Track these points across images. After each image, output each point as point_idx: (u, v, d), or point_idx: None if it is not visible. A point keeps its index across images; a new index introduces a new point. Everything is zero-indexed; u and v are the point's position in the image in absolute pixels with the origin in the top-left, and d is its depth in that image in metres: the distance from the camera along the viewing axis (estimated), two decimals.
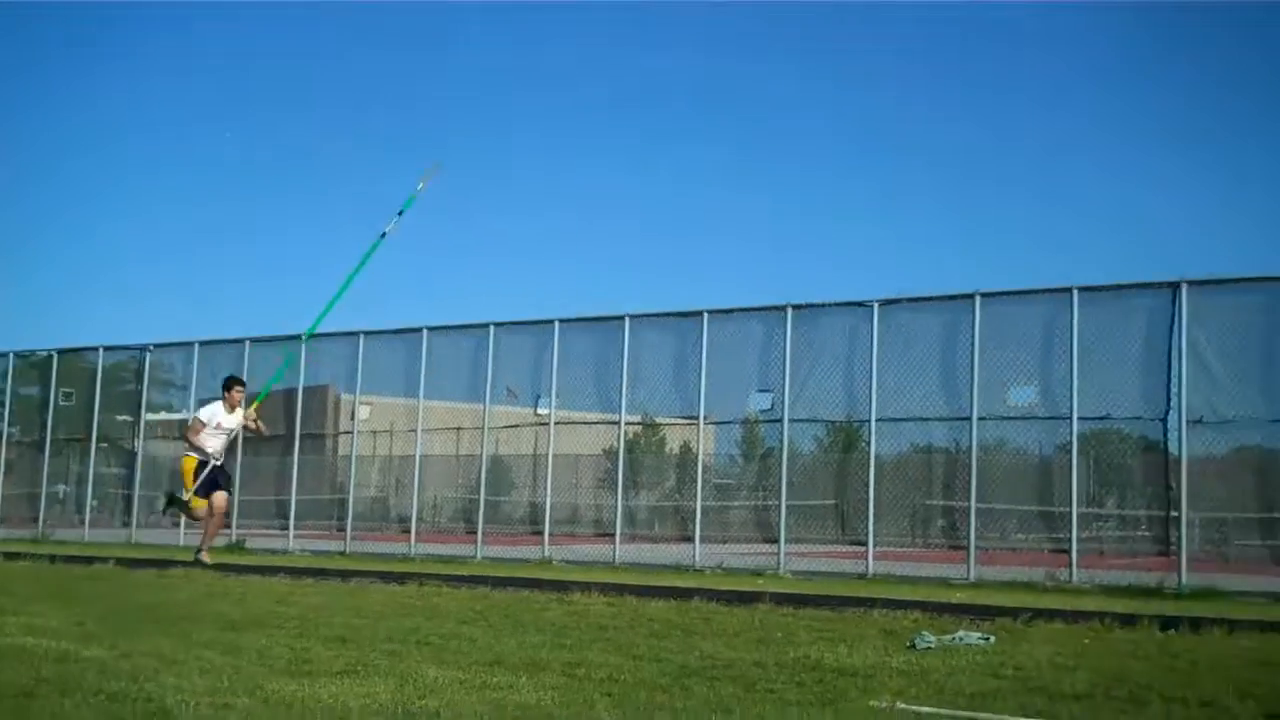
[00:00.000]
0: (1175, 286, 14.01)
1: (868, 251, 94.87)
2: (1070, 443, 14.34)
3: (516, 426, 19.73)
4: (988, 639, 8.27)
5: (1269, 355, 13.66)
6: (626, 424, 18.10)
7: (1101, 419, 14.71)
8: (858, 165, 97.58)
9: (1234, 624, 9.17)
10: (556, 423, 18.42)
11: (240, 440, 20.73)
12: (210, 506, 14.53)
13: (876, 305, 15.86)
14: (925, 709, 5.60)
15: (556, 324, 18.38)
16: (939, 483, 16.29)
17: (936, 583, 13.90)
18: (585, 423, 19.07)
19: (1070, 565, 13.83)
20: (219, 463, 14.63)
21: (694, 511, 16.88)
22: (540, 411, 18.65)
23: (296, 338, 19.27)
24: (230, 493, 15.27)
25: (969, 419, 14.98)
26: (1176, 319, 13.91)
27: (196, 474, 14.40)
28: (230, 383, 14.99)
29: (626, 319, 17.74)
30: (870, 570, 14.99)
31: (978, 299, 15.13)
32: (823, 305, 16.72)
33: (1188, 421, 13.63)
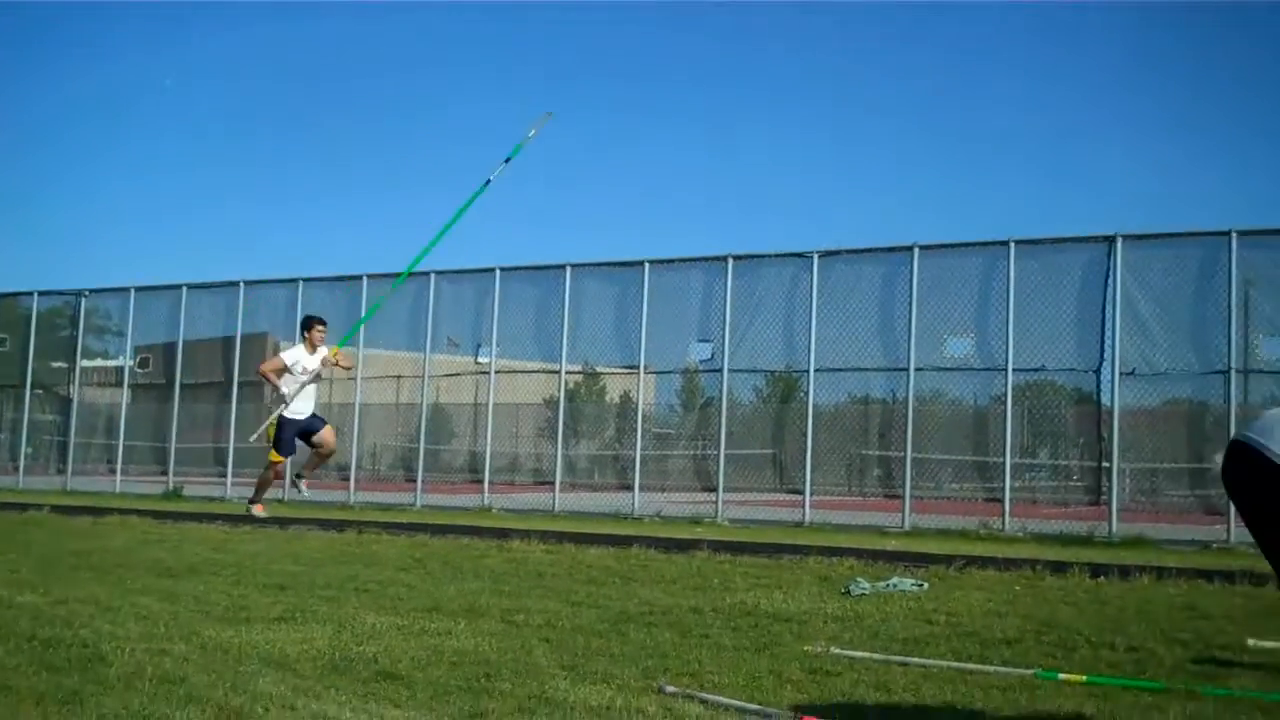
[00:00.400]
0: (1110, 240, 14.18)
1: (810, 203, 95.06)
2: (1005, 394, 14.51)
3: (457, 375, 19.66)
4: (921, 586, 8.40)
5: (1201, 309, 13.84)
6: (567, 373, 18.10)
7: (1036, 370, 14.88)
8: (801, 117, 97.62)
9: (1162, 571, 9.35)
10: (497, 371, 18.40)
11: (177, 386, 20.59)
12: (316, 444, 14.29)
13: (816, 256, 15.93)
14: (858, 654, 5.69)
15: (498, 272, 18.32)
16: (875, 433, 16.46)
17: (872, 531, 14.06)
18: (526, 371, 19.06)
19: (1003, 514, 14.04)
20: (305, 416, 14.19)
21: (634, 460, 16.95)
22: (481, 360, 18.60)
23: (395, 275, 17.40)
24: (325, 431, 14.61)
25: (906, 370, 15.11)
26: (1111, 272, 14.08)
27: (281, 433, 14.02)
28: (310, 322, 14.27)
29: (568, 268, 17.71)
30: (807, 519, 15.14)
31: (916, 251, 15.23)
32: (763, 256, 16.76)
33: (1120, 373, 13.85)
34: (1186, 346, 13.90)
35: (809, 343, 15.70)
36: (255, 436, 14.97)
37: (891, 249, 15.69)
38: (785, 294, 16.32)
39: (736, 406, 17.41)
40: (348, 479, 19.21)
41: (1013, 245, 14.63)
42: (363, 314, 18.90)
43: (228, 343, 20.67)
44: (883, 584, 8.33)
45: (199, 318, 21.12)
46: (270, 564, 9.52)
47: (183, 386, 20.89)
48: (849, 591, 8.08)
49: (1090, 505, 15.23)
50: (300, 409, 13.94)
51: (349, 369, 15.18)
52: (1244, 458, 3.66)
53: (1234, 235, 13.49)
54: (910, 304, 15.12)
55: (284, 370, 13.81)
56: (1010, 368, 14.44)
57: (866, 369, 15.83)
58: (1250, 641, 6.03)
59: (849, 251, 16.15)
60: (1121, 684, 5.08)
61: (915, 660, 5.55)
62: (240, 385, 20.31)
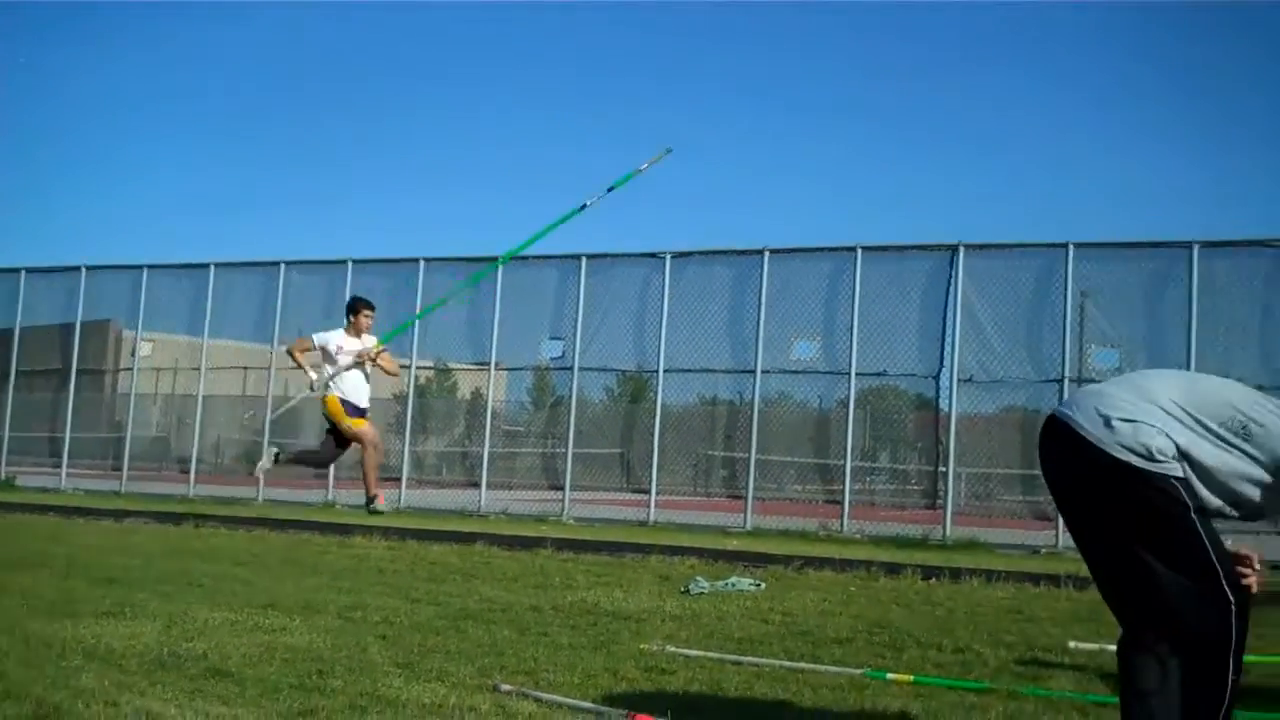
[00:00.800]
0: (953, 249, 14.53)
1: (661, 204, 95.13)
2: (848, 397, 14.78)
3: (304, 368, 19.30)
4: (759, 585, 8.53)
5: (1037, 319, 14.24)
6: (418, 368, 17.96)
7: (878, 375, 15.18)
8: (657, 118, 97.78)
9: (991, 575, 9.65)
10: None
11: (13, 373, 19.91)
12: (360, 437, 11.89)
13: (669, 257, 16.05)
14: (693, 652, 5.77)
15: (350, 264, 18.08)
16: (722, 434, 16.63)
17: (715, 531, 14.22)
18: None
19: (843, 516, 14.32)
20: (358, 403, 11.94)
21: (482, 457, 16.89)
22: None
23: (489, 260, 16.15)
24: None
25: (753, 372, 15.30)
26: (953, 281, 14.43)
27: (346, 408, 11.65)
28: (358, 305, 12.20)
29: (421, 262, 17.55)
30: (652, 518, 15.25)
31: (766, 255, 15.43)
32: (617, 255, 16.84)
33: (959, 380, 14.21)
34: (1023, 355, 14.29)
35: (659, 343, 15.81)
36: (276, 414, 13.69)
37: (743, 251, 15.89)
38: (637, 294, 16.40)
39: (586, 405, 17.44)
40: (187, 471, 18.80)
41: (859, 251, 14.91)
42: (208, 304, 18.49)
43: (65, 329, 20.06)
44: (722, 583, 8.45)
45: (38, 303, 20.47)
46: (103, 557, 9.31)
47: (18, 374, 20.22)
48: (688, 590, 8.18)
49: (927, 509, 15.60)
50: (352, 393, 11.79)
51: (394, 374, 12.93)
52: (1054, 431, 3.80)
53: (1071, 248, 13.91)
54: (759, 307, 15.30)
55: (310, 349, 12.07)
56: (854, 372, 14.71)
57: (715, 370, 15.98)
58: (1071, 644, 6.25)
59: (701, 253, 16.33)
60: (947, 684, 5.23)
61: (749, 659, 5.65)
62: (79, 374, 19.74)
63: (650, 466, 15.65)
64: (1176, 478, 3.57)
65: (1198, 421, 3.63)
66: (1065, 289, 13.90)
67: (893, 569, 9.79)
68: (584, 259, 16.52)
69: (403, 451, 17.61)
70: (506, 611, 6.98)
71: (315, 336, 12.10)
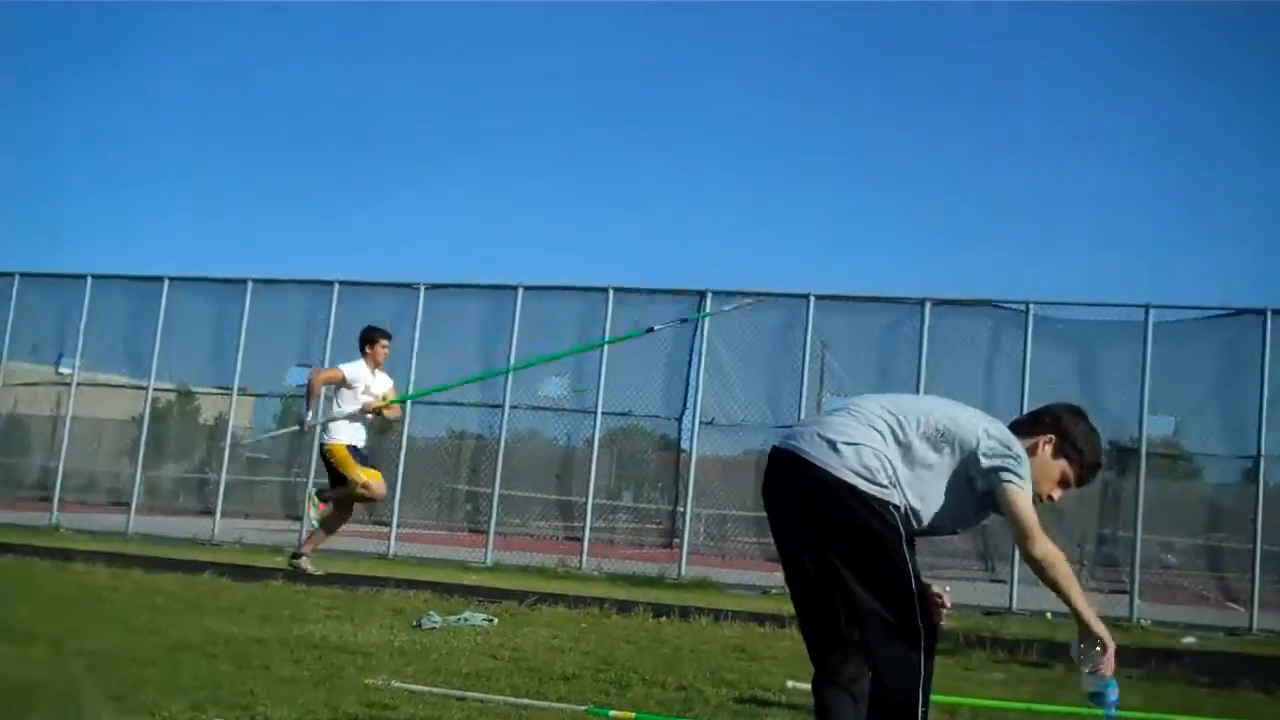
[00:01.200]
0: (701, 295, 14.91)
1: (411, 236, 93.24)
2: (593, 436, 14.96)
3: (35, 385, 18.50)
4: (491, 620, 8.56)
5: (777, 365, 14.73)
6: (157, 390, 17.40)
7: (624, 415, 15.44)
8: (408, 150, 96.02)
9: (720, 614, 9.90)
10: (79, 384, 17.46)
11: None
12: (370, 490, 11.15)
13: (423, 288, 16.00)
14: (418, 687, 5.76)
15: (89, 280, 17.42)
16: (468, 467, 16.58)
17: (455, 565, 14.18)
18: (111, 385, 18.17)
19: (582, 553, 14.47)
20: (363, 445, 11.19)
21: (219, 484, 16.45)
22: (62, 371, 17.60)
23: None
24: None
25: (501, 406, 15.35)
26: (699, 325, 14.80)
27: (354, 453, 10.97)
28: (375, 335, 11.23)
29: (166, 281, 17.03)
30: (392, 551, 15.11)
31: (520, 291, 15.53)
32: (372, 284, 16.71)
33: (700, 423, 14.56)
34: (762, 400, 14.74)
35: (409, 373, 15.70)
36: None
37: (498, 286, 15.95)
38: (390, 324, 16.21)
39: None
40: None
41: (611, 292, 15.16)
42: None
43: None
44: (454, 618, 8.44)
45: None
46: None
47: None
48: (420, 625, 8.14)
49: (664, 548, 15.90)
50: (358, 435, 11.06)
51: (389, 422, 11.80)
52: (780, 462, 3.95)
53: (811, 298, 14.46)
54: (511, 342, 15.37)
55: (341, 384, 11.02)
56: (600, 411, 14.90)
57: (464, 404, 15.98)
58: (789, 683, 6.46)
59: (456, 286, 16.33)
60: None
61: (473, 695, 5.68)
62: None
63: (393, 499, 15.50)
64: (895, 505, 3.79)
65: (903, 426, 3.86)
66: (805, 337, 14.40)
67: (625, 606, 9.93)
68: (337, 285, 16.32)
69: (134, 475, 16.98)
70: (229, 644, 6.82)
71: (345, 369, 11.11)
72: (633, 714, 5.44)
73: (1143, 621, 12.71)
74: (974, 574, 15.06)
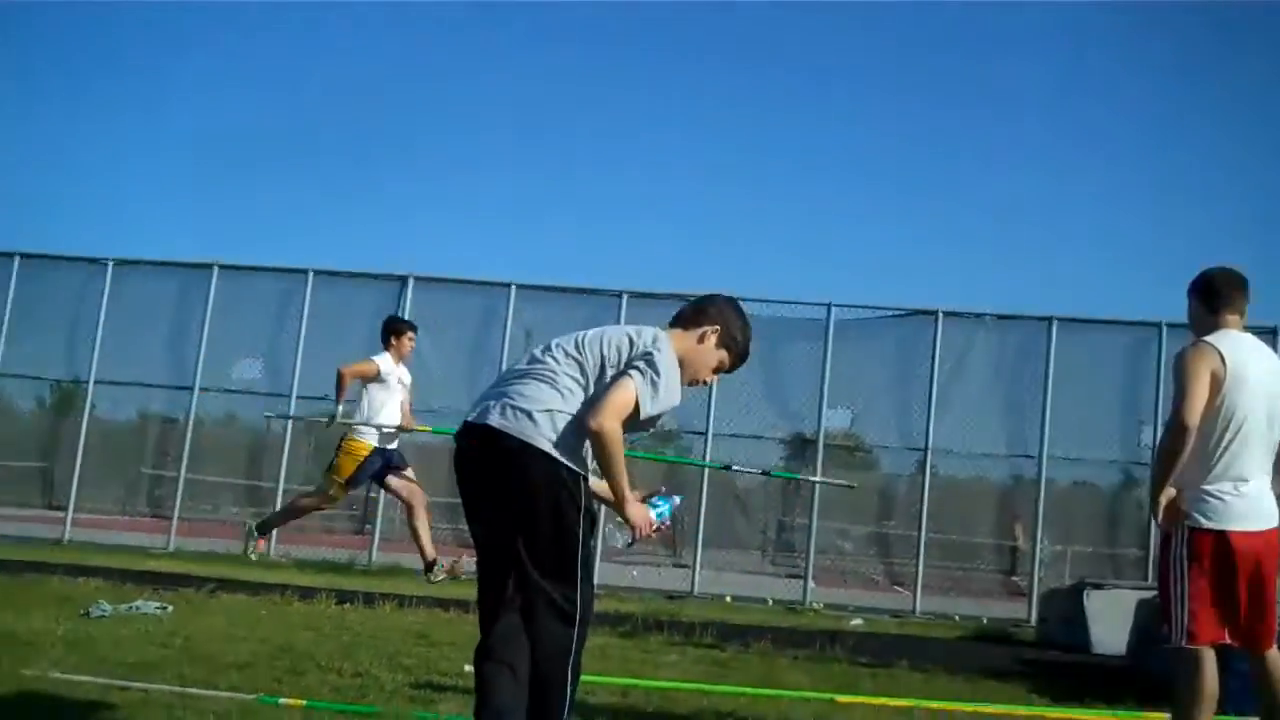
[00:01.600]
0: (403, 280, 14.80)
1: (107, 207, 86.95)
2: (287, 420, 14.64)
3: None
4: (165, 609, 8.35)
5: (477, 352, 14.77)
6: None
7: (322, 399, 15.14)
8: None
9: (405, 600, 9.97)
10: None
11: None
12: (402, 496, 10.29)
13: (111, 263, 15.38)
14: (81, 678, 5.61)
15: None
16: (156, 451, 16.00)
17: (137, 551, 13.72)
18: None
19: (270, 539, 14.13)
20: (390, 447, 10.15)
21: None
22: None
23: None
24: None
25: (191, 389, 14.91)
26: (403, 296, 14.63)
27: (365, 465, 9.92)
28: (401, 327, 10.36)
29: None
30: (68, 536, 14.48)
31: (216, 270, 15.14)
32: (55, 258, 15.97)
33: None
34: (462, 386, 14.70)
35: (92, 353, 15.07)
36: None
37: (194, 265, 15.46)
38: (74, 299, 15.57)
39: (12, 415, 16.37)
40: None
41: (311, 274, 14.93)
42: None
43: None
44: (125, 607, 8.20)
45: None
46: None
47: None
48: (89, 614, 7.89)
49: (356, 534, 15.77)
50: (388, 440, 10.17)
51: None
52: (472, 433, 4.06)
53: (513, 287, 14.60)
54: (204, 323, 14.94)
55: (375, 377, 10.07)
56: (294, 395, 14.63)
57: (152, 385, 15.45)
58: (467, 667, 6.54)
59: (149, 263, 15.77)
60: (339, 708, 5.39)
61: (137, 684, 5.56)
62: None
63: (70, 481, 14.87)
64: (583, 476, 4.00)
65: (574, 359, 4.08)
66: (506, 325, 14.49)
67: (307, 593, 9.85)
68: (17, 258, 15.52)
69: None
70: None
71: (378, 360, 10.14)
72: (303, 702, 5.43)
73: (815, 605, 13.40)
74: (659, 559, 15.56)
